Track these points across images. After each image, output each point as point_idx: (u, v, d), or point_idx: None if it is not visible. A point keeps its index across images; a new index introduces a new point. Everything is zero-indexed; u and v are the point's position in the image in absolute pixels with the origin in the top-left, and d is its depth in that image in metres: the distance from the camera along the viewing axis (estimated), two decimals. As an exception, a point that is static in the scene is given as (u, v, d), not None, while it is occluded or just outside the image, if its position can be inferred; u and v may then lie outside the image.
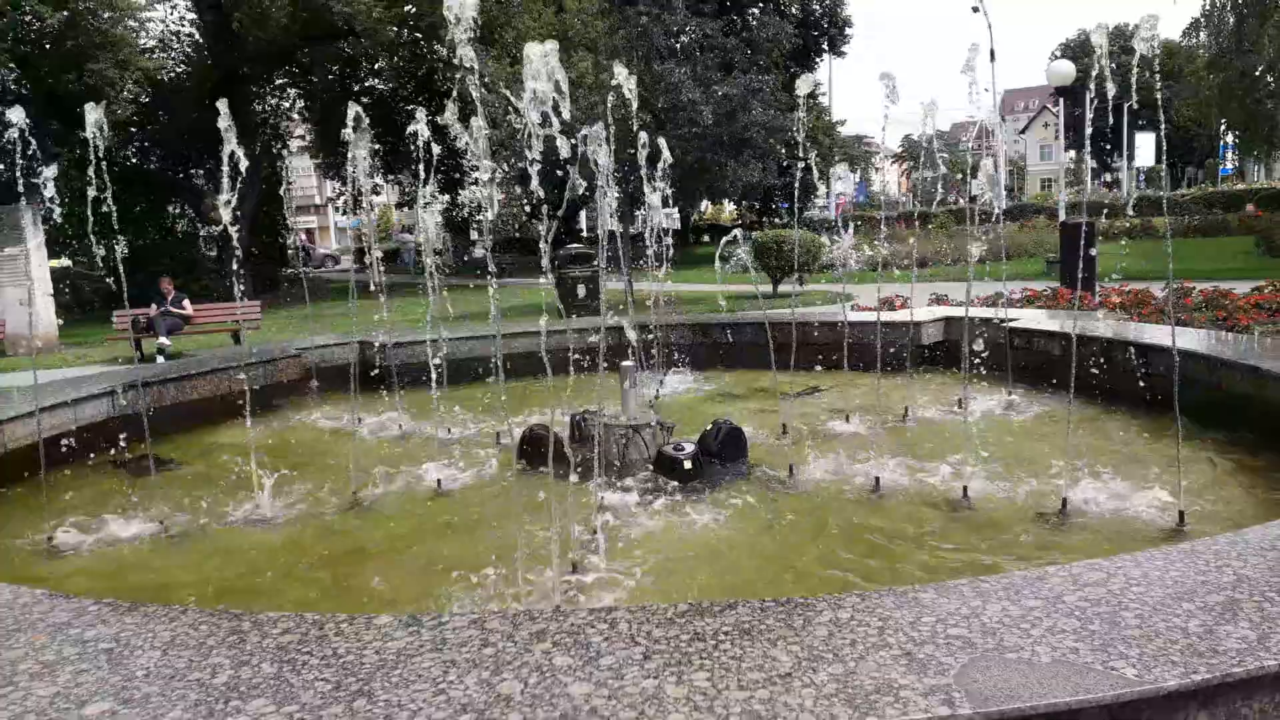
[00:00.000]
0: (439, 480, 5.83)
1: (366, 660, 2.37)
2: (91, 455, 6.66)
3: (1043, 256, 22.87)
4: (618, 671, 2.24)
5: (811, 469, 5.68)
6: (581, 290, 14.89)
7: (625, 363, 6.00)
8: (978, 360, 7.49)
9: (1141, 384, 6.50)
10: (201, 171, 30.64)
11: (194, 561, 4.74)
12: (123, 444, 6.77)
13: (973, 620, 2.44)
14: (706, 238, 47.24)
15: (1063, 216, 20.96)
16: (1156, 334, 7.55)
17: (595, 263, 14.38)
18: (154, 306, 15.27)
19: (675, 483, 5.45)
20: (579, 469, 5.75)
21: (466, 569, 4.33)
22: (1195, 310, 11.34)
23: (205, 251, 30.43)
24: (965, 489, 5.13)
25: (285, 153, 31.01)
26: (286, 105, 34.34)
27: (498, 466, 6.23)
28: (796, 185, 9.29)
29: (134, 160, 30.64)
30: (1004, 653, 2.25)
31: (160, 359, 14.11)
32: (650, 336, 8.91)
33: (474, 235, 33.24)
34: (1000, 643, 2.30)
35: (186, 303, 15.62)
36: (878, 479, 5.37)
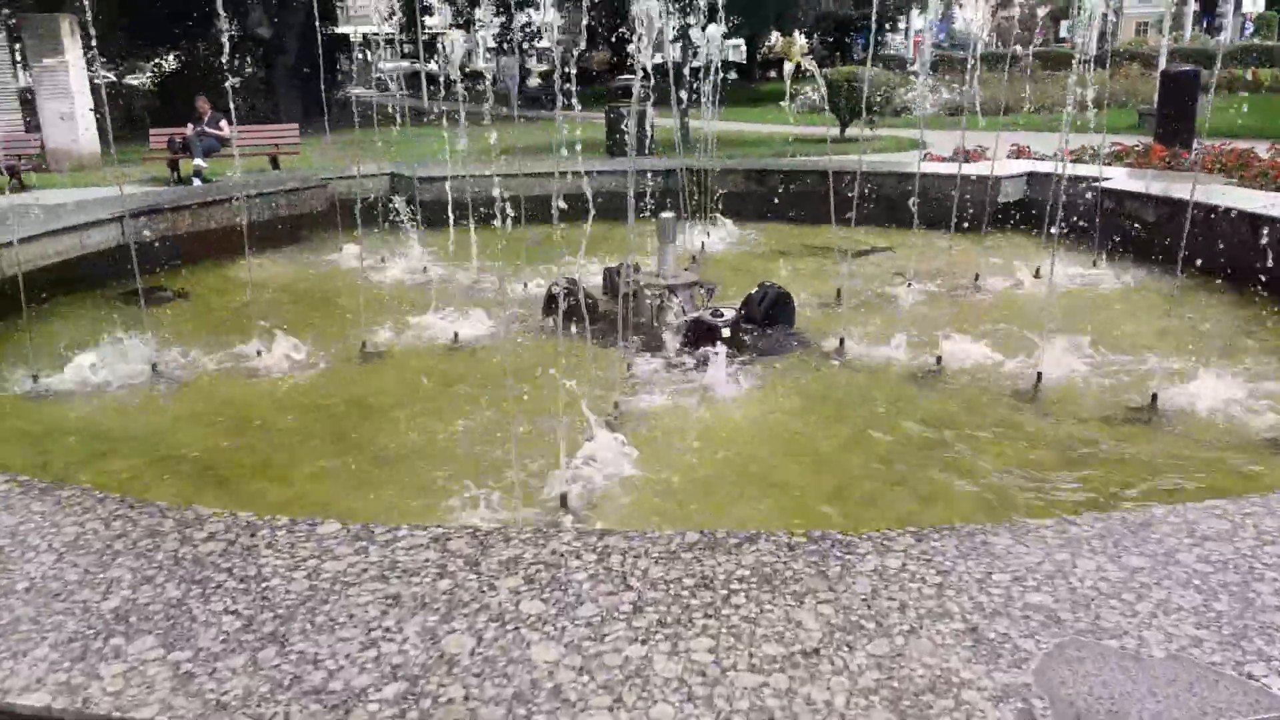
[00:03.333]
0: (456, 333, 5.35)
1: (294, 588, 1.92)
2: (97, 286, 6.29)
3: (1135, 108, 21.18)
4: (597, 629, 1.75)
5: (865, 342, 5.09)
6: (631, 126, 13.99)
7: (664, 214, 5.36)
8: (1064, 224, 6.71)
9: (1251, 260, 5.71)
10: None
11: (181, 413, 4.36)
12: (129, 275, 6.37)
13: (1059, 582, 1.90)
14: (774, 73, 44.97)
15: (1163, 64, 19.20)
16: (1267, 201, 6.66)
17: (645, 97, 13.44)
18: (190, 126, 14.72)
19: (713, 350, 4.91)
20: (607, 331, 5.23)
21: (467, 437, 3.90)
22: (1304, 175, 10.22)
23: (254, 70, 29.50)
24: (1039, 376, 4.52)
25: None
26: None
27: (521, 320, 5.73)
28: (873, 17, 8.28)
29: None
30: (1101, 637, 1.72)
31: (197, 181, 13.70)
32: (698, 183, 8.20)
33: (529, 65, 31.84)
34: (1096, 621, 1.76)
35: (224, 123, 15.02)
36: (939, 358, 4.77)
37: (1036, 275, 6.56)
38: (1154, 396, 4.22)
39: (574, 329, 5.10)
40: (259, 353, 5.05)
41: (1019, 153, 12.66)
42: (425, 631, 1.76)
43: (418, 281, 6.89)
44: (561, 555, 2.03)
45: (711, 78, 8.21)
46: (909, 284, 6.27)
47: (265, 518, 2.24)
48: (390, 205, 8.37)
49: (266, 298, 6.28)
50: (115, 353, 5.02)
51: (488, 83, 6.51)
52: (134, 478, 3.62)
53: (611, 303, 5.66)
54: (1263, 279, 5.29)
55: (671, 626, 1.76)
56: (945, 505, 3.30)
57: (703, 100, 8.33)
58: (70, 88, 17.67)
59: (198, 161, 14.22)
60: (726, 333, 4.97)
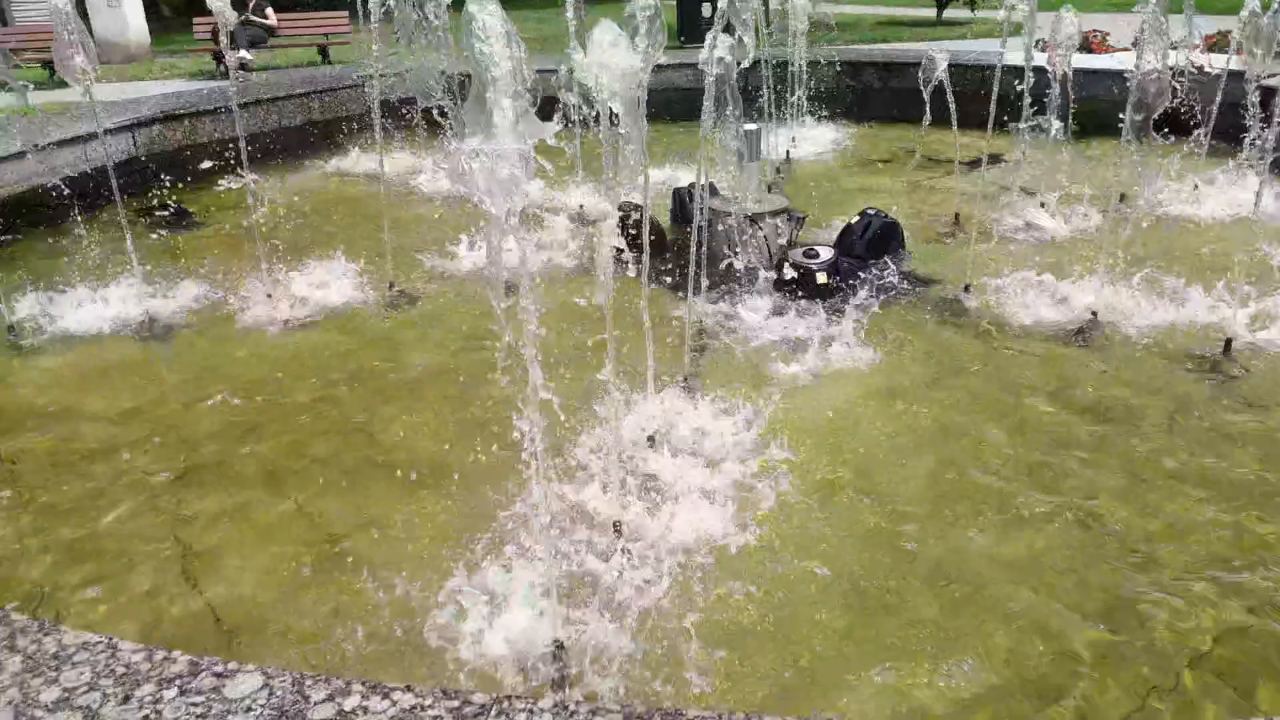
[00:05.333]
0: (499, 274, 4.50)
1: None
2: (103, 204, 5.58)
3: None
4: None
5: (995, 287, 4.13)
6: (707, 10, 12.66)
7: (747, 125, 4.38)
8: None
9: None
10: None
11: (166, 380, 3.63)
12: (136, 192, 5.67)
13: None
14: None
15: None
16: None
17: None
18: (235, 15, 13.79)
19: (805, 300, 4.01)
20: (677, 269, 4.35)
21: (506, 417, 3.10)
22: None
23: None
24: (1229, 342, 3.54)
25: None
26: None
27: (577, 252, 4.87)
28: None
29: None
30: None
31: (241, 75, 12.88)
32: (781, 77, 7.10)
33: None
34: None
35: (270, 11, 14.06)
36: (1094, 313, 3.80)
37: (1195, 189, 5.46)
38: (1391, 377, 3.23)
39: (635, 267, 4.23)
40: (269, 295, 4.30)
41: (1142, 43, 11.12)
42: None
43: (462, 198, 6.02)
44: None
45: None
46: (1041, 203, 5.22)
47: (158, 657, 1.48)
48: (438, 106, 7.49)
49: (290, 219, 5.51)
50: (105, 294, 4.34)
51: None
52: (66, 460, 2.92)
53: (681, 232, 4.77)
54: None
55: None
56: (1160, 562, 2.41)
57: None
58: (116, -29, 16.79)
59: (243, 53, 13.34)
60: (823, 278, 4.06)
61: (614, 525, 2.53)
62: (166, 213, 5.73)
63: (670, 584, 2.30)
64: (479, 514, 2.63)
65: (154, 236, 5.32)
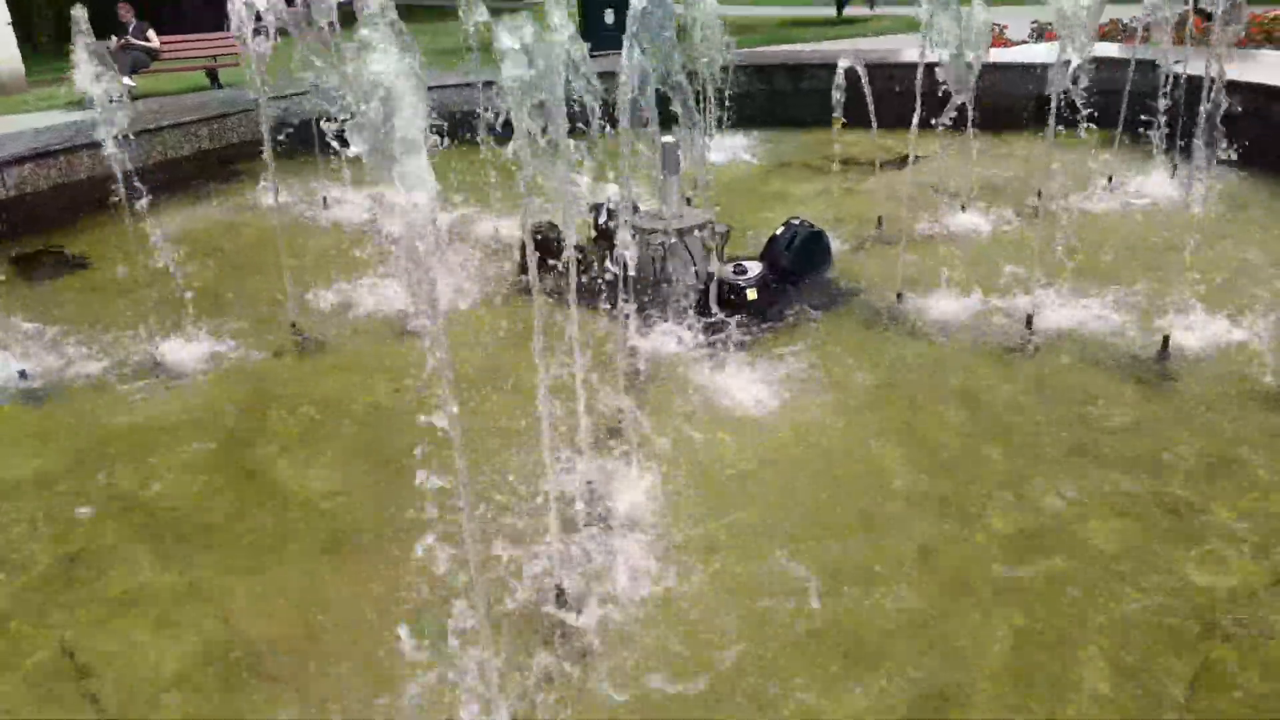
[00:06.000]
0: (404, 314, 4.24)
1: None
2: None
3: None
4: None
5: (926, 294, 4.03)
6: (610, 16, 12.48)
7: (665, 139, 4.19)
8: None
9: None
10: None
11: (42, 452, 3.28)
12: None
13: None
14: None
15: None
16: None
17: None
18: (113, 39, 13.11)
19: (735, 317, 3.85)
20: (598, 291, 4.13)
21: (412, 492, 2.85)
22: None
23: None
24: (1166, 340, 3.48)
25: None
26: None
27: (491, 285, 4.62)
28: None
29: None
30: None
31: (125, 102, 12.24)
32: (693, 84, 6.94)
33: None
34: None
35: (152, 33, 13.42)
36: (1029, 317, 3.72)
37: (1109, 181, 5.49)
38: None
39: (556, 292, 4.01)
40: (158, 347, 3.96)
41: (1041, 33, 11.34)
42: None
43: (364, 227, 5.71)
44: None
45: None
46: (962, 205, 5.16)
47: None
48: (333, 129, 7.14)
49: (182, 262, 5.12)
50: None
51: None
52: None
53: (599, 251, 4.56)
54: None
55: None
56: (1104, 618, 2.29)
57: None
58: (-20, -1, 15.89)
59: (125, 80, 12.70)
60: (752, 294, 3.90)
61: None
62: (46, 259, 5.32)
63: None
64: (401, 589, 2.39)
65: (32, 285, 4.92)
